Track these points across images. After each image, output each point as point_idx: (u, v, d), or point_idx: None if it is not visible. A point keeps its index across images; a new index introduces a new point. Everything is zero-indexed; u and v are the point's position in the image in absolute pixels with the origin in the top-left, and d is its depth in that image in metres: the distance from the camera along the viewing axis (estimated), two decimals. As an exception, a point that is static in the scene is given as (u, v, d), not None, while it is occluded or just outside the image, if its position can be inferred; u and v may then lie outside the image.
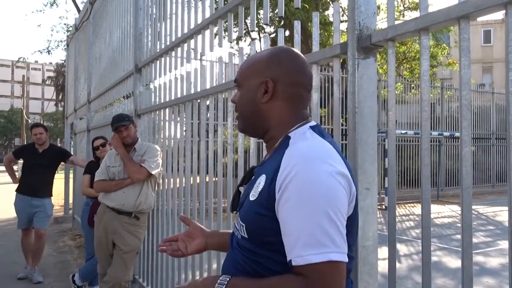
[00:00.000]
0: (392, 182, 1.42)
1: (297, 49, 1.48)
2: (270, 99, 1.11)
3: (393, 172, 1.40)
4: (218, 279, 1.04)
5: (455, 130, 14.60)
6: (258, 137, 1.21)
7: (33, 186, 4.81)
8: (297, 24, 1.83)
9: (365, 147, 1.45)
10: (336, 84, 1.62)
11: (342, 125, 12.66)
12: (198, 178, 2.91)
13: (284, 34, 13.75)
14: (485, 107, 15.88)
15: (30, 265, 4.89)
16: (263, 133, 1.16)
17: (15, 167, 5.50)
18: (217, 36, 2.59)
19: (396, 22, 1.38)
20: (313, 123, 1.13)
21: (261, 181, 1.04)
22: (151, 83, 3.95)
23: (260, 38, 14.69)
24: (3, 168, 5.21)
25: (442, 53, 14.62)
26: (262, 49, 1.23)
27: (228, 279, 1.03)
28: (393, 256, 1.43)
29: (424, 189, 1.28)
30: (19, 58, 20.66)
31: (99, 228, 3.34)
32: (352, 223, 1.02)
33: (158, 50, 3.61)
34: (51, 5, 17.81)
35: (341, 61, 1.68)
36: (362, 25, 1.46)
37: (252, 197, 1.05)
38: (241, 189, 1.21)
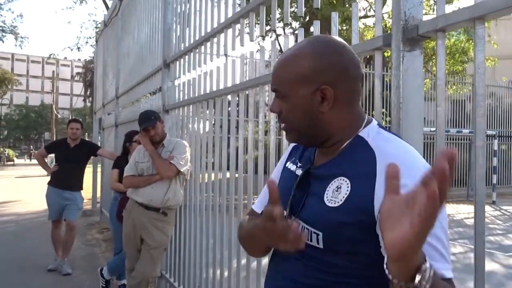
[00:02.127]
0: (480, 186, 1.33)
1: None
2: (330, 108, 0.97)
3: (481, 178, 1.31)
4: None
5: (488, 128, 14.16)
6: (317, 146, 1.06)
7: (65, 180, 4.93)
8: (334, 16, 1.75)
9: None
10: (377, 79, 1.53)
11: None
12: (227, 173, 2.86)
13: (309, 29, 13.59)
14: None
15: (59, 256, 4.99)
16: (323, 141, 1.02)
17: (46, 160, 5.66)
18: (239, 35, 2.58)
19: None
20: (375, 120, 1.05)
21: (341, 186, 0.93)
22: (179, 78, 3.93)
23: (284, 33, 14.57)
24: (35, 162, 5.38)
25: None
26: (293, 44, 1.08)
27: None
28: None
29: (479, 191, 1.19)
30: (50, 55, 21.15)
31: (128, 223, 3.35)
32: None
33: (187, 46, 3.59)
34: (80, 2, 18.14)
35: (367, 57, 1.59)
36: (408, 15, 1.37)
37: (330, 203, 0.93)
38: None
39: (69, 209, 4.94)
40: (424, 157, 1.02)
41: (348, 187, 0.92)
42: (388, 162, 0.81)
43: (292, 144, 1.18)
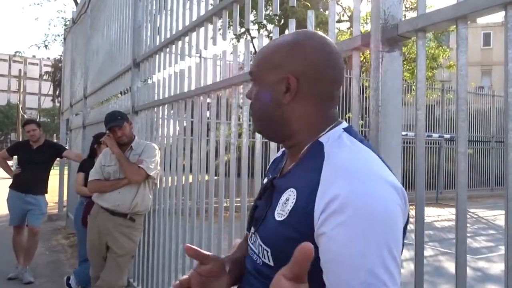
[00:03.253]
0: (420, 189, 1.26)
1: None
2: (293, 99, 0.91)
3: (422, 178, 1.25)
4: None
5: (454, 132, 14.49)
6: (278, 141, 1.02)
7: (27, 183, 4.68)
8: (310, 15, 1.68)
9: (388, 151, 1.30)
10: (355, 80, 1.47)
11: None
12: (199, 177, 2.76)
13: (283, 32, 13.61)
14: (485, 110, 15.79)
15: (21, 264, 4.74)
16: (284, 138, 0.97)
17: (10, 163, 5.38)
18: (212, 33, 2.49)
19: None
20: (345, 124, 0.95)
21: (289, 197, 0.86)
22: (149, 78, 3.80)
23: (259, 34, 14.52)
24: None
25: (444, 55, 14.52)
26: (284, 35, 1.00)
27: None
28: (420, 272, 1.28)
29: (460, 198, 1.13)
30: (16, 52, 20.46)
31: (93, 229, 3.18)
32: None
33: (157, 44, 3.46)
34: (49, -2, 17.60)
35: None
36: (388, 14, 1.31)
37: (279, 217, 0.87)
38: (258, 203, 1.02)
39: (32, 214, 4.69)
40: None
41: (294, 199, 0.85)
42: (333, 170, 0.81)
43: (273, 159, 1.14)
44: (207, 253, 0.98)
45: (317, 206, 0.79)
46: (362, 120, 9.64)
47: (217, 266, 0.99)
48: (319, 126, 0.93)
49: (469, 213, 11.03)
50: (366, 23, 12.20)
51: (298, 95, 0.91)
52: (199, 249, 0.99)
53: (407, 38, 1.29)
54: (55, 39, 18.60)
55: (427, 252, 6.62)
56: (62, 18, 18.64)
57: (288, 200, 0.86)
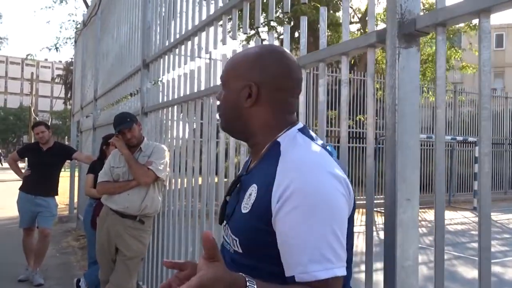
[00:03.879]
0: (440, 190, 1.20)
1: (287, 49, 1.35)
2: (254, 104, 1.05)
3: (442, 180, 1.19)
4: (245, 281, 0.87)
5: (466, 134, 14.31)
6: (241, 140, 1.19)
7: (37, 185, 4.68)
8: (323, 11, 1.63)
9: (406, 151, 1.24)
10: (370, 78, 1.41)
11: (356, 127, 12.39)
12: (208, 179, 2.71)
13: (293, 34, 13.56)
14: (498, 112, 15.54)
15: (31, 266, 4.74)
16: (246, 137, 1.11)
17: (21, 165, 5.41)
18: (222, 33, 2.46)
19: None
20: (300, 125, 1.08)
21: (252, 192, 1.00)
22: (159, 80, 3.77)
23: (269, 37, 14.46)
24: (8, 166, 5.14)
25: (455, 56, 14.33)
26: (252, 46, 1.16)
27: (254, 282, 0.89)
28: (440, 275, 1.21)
29: (483, 203, 1.07)
30: (27, 55, 20.65)
31: (102, 231, 3.16)
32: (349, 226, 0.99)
33: (167, 45, 3.43)
34: (60, 1, 17.76)
35: (351, 61, 1.48)
36: (404, 9, 1.25)
37: (244, 209, 1.00)
38: (228, 198, 1.15)
39: (42, 216, 4.69)
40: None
41: (255, 193, 0.98)
42: (286, 165, 0.95)
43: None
44: (182, 261, 1.10)
45: (273, 197, 0.93)
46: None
47: (194, 269, 1.04)
48: (275, 128, 1.05)
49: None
50: (379, 22, 12.10)
51: (258, 101, 1.04)
52: (174, 260, 1.13)
53: (426, 33, 1.23)
54: (66, 42, 18.76)
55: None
56: (73, 21, 18.80)
57: (251, 194, 0.99)
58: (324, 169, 0.94)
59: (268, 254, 0.96)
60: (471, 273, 5.61)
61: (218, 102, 1.15)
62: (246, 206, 0.99)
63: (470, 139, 13.35)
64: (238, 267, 0.97)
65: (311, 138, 1.04)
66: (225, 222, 1.11)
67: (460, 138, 13.19)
